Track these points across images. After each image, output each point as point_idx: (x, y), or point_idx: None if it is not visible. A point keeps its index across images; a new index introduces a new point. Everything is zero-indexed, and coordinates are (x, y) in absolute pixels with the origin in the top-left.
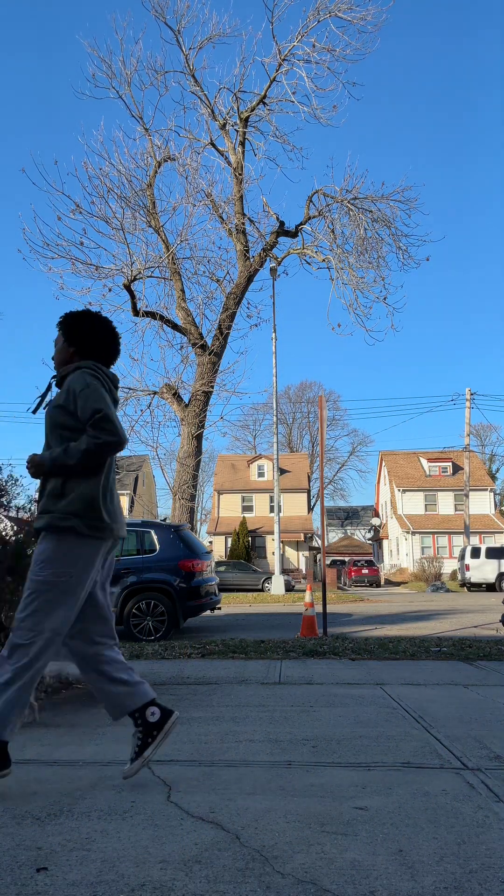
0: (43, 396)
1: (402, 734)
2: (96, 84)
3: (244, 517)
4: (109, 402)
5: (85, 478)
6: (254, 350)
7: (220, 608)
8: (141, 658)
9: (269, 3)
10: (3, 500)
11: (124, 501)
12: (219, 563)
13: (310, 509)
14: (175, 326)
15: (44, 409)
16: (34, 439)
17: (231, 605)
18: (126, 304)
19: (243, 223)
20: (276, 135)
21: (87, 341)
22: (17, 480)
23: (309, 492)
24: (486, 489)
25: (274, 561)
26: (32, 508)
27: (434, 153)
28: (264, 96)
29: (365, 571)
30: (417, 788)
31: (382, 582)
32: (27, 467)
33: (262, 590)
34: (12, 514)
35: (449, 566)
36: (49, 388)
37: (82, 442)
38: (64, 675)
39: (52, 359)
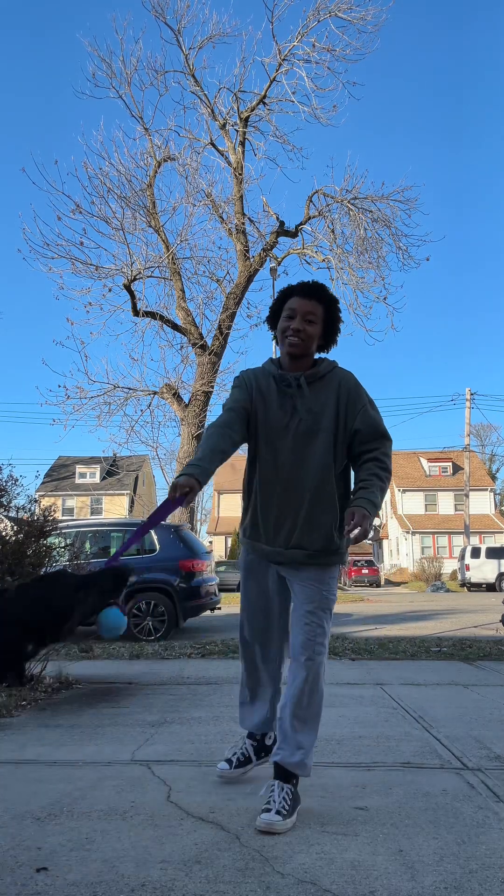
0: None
1: (402, 734)
2: (96, 84)
3: None
4: None
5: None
6: (254, 350)
7: (220, 608)
8: (141, 658)
9: (269, 3)
10: (3, 500)
11: (124, 501)
12: (219, 563)
13: None
14: (175, 326)
15: (294, 410)
16: (35, 439)
17: (231, 605)
18: (126, 304)
19: (243, 223)
20: (276, 135)
21: (336, 334)
22: (17, 480)
23: None
24: (486, 489)
25: None
26: (33, 508)
27: (434, 153)
28: (264, 96)
29: (365, 571)
30: (417, 788)
31: (382, 582)
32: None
33: None
34: (12, 514)
35: (449, 566)
36: (300, 386)
37: (384, 468)
38: (64, 675)
39: (295, 332)
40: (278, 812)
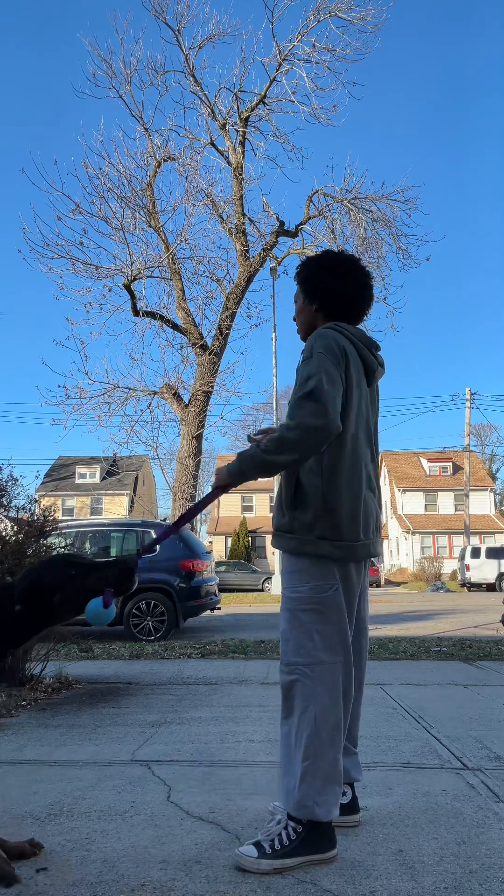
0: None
1: (402, 734)
2: (96, 83)
3: (244, 517)
4: (335, 373)
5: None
6: (254, 350)
7: (220, 608)
8: (141, 658)
9: (269, 2)
10: (3, 500)
11: (124, 501)
12: (219, 563)
13: None
14: (175, 326)
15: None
16: (35, 439)
17: (231, 605)
18: (126, 304)
19: (243, 223)
20: (276, 135)
21: (335, 293)
22: (17, 480)
23: None
24: (486, 489)
25: (274, 561)
26: (33, 508)
27: (434, 153)
28: (264, 96)
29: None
30: (417, 788)
31: (382, 582)
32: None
33: (262, 590)
34: (12, 514)
35: (449, 566)
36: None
37: (282, 426)
38: (64, 675)
39: (294, 320)
40: (258, 844)
